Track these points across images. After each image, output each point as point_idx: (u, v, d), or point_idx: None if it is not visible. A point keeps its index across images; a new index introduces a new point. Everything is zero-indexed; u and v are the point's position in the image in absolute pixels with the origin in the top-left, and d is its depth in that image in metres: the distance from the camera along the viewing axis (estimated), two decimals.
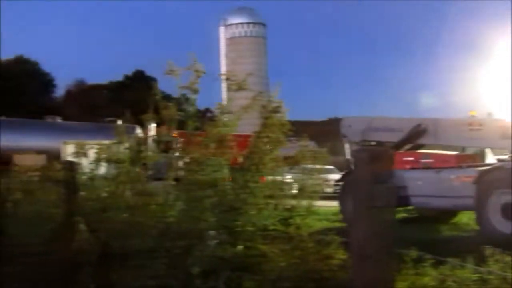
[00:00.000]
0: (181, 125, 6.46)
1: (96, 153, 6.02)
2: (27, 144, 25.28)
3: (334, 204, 12.94)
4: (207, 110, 5.50)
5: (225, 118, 3.48)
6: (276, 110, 3.30)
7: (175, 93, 4.03)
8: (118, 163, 5.57)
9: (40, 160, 22.38)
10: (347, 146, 14.62)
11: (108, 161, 5.82)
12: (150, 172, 5.62)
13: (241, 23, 68.12)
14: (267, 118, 3.28)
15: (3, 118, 30.08)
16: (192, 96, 3.60)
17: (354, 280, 2.23)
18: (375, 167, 2.13)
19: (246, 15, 69.09)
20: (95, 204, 5.65)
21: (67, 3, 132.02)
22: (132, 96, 63.96)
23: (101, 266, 4.96)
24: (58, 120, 30.73)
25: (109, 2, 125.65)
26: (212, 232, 3.29)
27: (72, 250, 5.23)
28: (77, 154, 6.09)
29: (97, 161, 5.98)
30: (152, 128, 6.93)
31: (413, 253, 4.20)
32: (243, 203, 3.24)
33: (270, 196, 3.44)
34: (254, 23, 68.77)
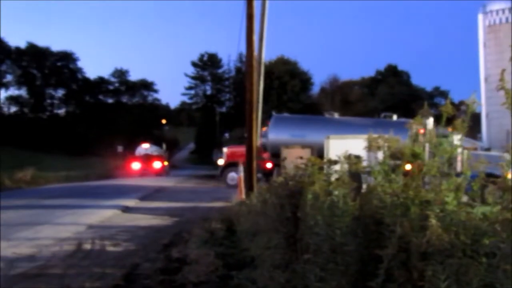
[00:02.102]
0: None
1: (388, 146, 5.98)
2: (307, 139, 27.59)
3: None
4: (461, 103, 5.01)
5: None
6: None
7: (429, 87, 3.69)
8: (413, 158, 5.44)
9: (305, 154, 23.67)
10: None
11: (401, 155, 5.73)
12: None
13: (503, 9, 61.64)
14: None
15: (286, 114, 33.08)
16: None
17: None
18: None
19: None
20: (389, 198, 5.60)
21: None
22: (385, 91, 63.95)
23: (400, 261, 4.89)
24: (336, 116, 32.50)
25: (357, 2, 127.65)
26: None
27: (370, 242, 5.26)
28: (369, 147, 6.12)
29: (389, 155, 5.93)
30: (430, 123, 6.66)
31: None
32: None
33: None
34: None
